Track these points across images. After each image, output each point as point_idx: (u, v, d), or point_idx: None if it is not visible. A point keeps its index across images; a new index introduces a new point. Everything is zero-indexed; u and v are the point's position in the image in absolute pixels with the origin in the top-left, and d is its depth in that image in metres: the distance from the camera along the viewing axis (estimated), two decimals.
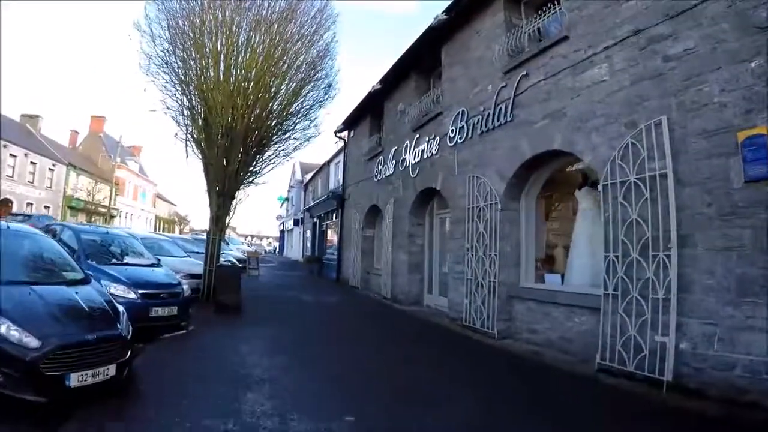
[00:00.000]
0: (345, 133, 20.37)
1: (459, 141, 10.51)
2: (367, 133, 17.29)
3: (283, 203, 49.05)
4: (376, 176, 15.68)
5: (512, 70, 8.79)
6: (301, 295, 15.04)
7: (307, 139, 13.89)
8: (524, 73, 8.46)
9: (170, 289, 8.43)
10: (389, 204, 14.14)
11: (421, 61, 12.82)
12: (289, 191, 45.95)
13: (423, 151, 12.28)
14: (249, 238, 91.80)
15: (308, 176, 36.52)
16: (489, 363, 7.32)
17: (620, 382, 5.84)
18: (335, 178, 25.41)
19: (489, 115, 9.41)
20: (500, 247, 8.88)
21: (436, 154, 11.64)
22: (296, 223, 40.09)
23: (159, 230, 56.65)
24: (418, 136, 12.67)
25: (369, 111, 17.08)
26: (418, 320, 11.06)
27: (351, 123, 18.91)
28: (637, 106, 6.16)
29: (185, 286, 8.88)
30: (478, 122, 9.81)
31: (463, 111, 10.42)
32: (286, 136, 13.46)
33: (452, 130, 10.73)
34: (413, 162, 12.78)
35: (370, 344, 8.58)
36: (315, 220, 27.14)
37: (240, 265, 21.89)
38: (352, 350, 7.93)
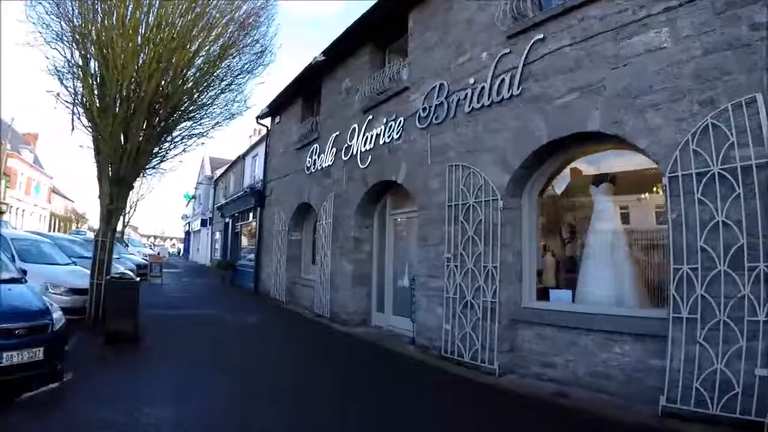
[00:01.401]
0: (268, 120, 17.25)
1: (434, 122, 8.04)
2: (298, 118, 14.21)
3: (189, 201, 44.40)
4: (308, 168, 12.70)
5: (520, 34, 6.70)
6: (216, 312, 11.71)
7: (231, 116, 10.78)
8: (539, 37, 6.41)
9: (31, 320, 5.10)
10: (327, 201, 11.25)
11: (378, 30, 10.11)
12: (196, 188, 41.37)
13: (378, 136, 9.58)
14: (152, 239, 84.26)
15: (219, 172, 32.51)
16: (507, 412, 5.33)
17: (702, 430, 4.37)
18: (252, 172, 22.03)
19: (483, 88, 7.16)
20: (501, 257, 6.56)
21: (397, 138, 9.01)
22: (204, 223, 35.70)
23: (54, 229, 49.30)
24: (371, 117, 9.95)
25: (302, 92, 14.03)
26: (377, 350, 8.29)
27: (278, 107, 15.65)
28: (716, 81, 4.68)
29: (56, 315, 5.51)
30: (465, 98, 7.46)
31: (441, 84, 7.97)
32: (204, 108, 10.33)
33: (424, 109, 8.23)
34: (363, 150, 10.04)
35: (333, 399, 5.54)
36: (227, 220, 23.49)
37: (141, 272, 17.83)
38: (314, 414, 4.98)
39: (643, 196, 6.63)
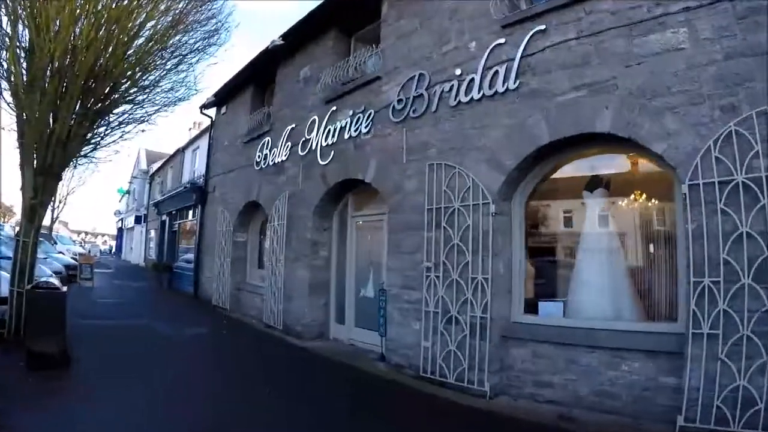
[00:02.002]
0: (213, 111, 15.73)
1: (412, 115, 7.13)
2: (248, 108, 12.78)
3: (123, 196, 41.46)
4: (258, 163, 11.35)
5: (517, 24, 6.04)
6: (154, 323, 10.12)
7: (177, 101, 9.30)
8: (540, 28, 5.75)
9: None
10: (280, 200, 9.98)
11: (344, 14, 9.06)
12: (131, 182, 38.59)
13: (342, 129, 8.51)
14: (83, 236, 77.92)
15: (156, 166, 30.21)
16: None
17: None
18: (192, 167, 20.24)
19: (472, 81, 6.37)
20: (493, 268, 5.83)
21: (366, 133, 7.99)
22: (138, 220, 33.02)
23: None
24: (334, 109, 8.84)
25: (254, 80, 12.63)
26: (340, 368, 7.19)
27: (225, 95, 14.11)
28: (736, 87, 4.36)
29: None
30: (450, 90, 6.62)
31: (421, 75, 7.08)
32: (147, 90, 8.82)
33: (400, 101, 7.32)
34: (324, 144, 8.90)
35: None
36: (164, 217, 21.50)
37: (70, 272, 15.98)
38: None
39: (647, 202, 6.01)
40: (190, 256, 16.76)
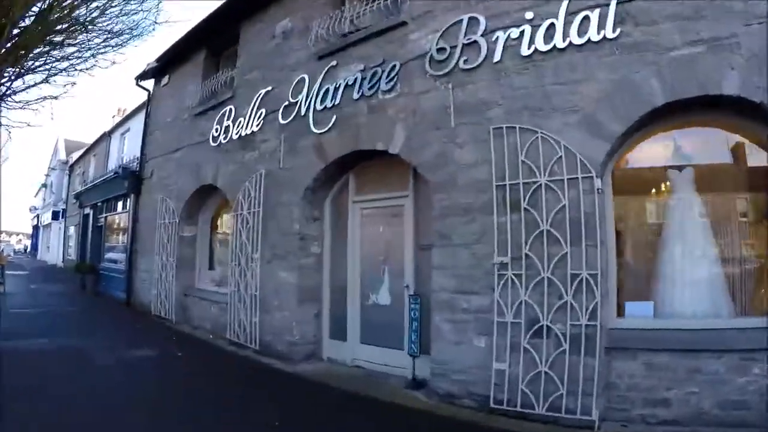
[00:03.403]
0: (150, 83, 12.72)
1: (462, 67, 5.15)
2: (199, 76, 9.97)
3: (39, 190, 36.30)
4: (215, 138, 8.67)
5: None
6: (83, 342, 7.37)
7: (130, 35, 6.60)
8: None
9: None
10: (251, 182, 7.41)
11: None
12: (48, 175, 33.83)
13: (349, 88, 6.30)
14: None
15: (76, 155, 26.32)
16: None
17: None
18: (120, 154, 16.82)
19: (552, 26, 4.68)
20: (601, 260, 4.15)
21: (388, 91, 5.84)
22: (56, 215, 28.35)
23: None
24: (333, 64, 6.59)
25: (207, 43, 9.91)
26: (362, 403, 4.97)
27: (167, 63, 11.19)
28: None
29: None
30: (519, 37, 4.83)
31: (472, 18, 5.17)
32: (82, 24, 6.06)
33: (441, 50, 5.35)
34: (319, 108, 6.58)
35: None
36: (87, 210, 17.75)
37: None
38: None
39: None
40: (120, 255, 13.58)
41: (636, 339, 4.23)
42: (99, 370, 5.89)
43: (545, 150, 4.49)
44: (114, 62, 8.06)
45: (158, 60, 11.21)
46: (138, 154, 12.57)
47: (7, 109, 6.16)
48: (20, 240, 66.55)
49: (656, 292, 4.56)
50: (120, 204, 14.02)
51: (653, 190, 4.90)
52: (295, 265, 6.56)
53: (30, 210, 40.31)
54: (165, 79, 11.59)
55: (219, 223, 9.91)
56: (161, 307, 9.65)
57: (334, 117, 6.32)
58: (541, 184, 4.45)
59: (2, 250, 25.36)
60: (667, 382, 4.08)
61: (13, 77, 5.75)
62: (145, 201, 11.62)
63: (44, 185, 33.99)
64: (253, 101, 7.76)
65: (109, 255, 14.84)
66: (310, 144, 6.59)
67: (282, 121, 7.09)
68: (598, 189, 4.24)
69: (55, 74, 6.08)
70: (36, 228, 40.23)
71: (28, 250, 46.28)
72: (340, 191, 6.91)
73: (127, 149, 16.01)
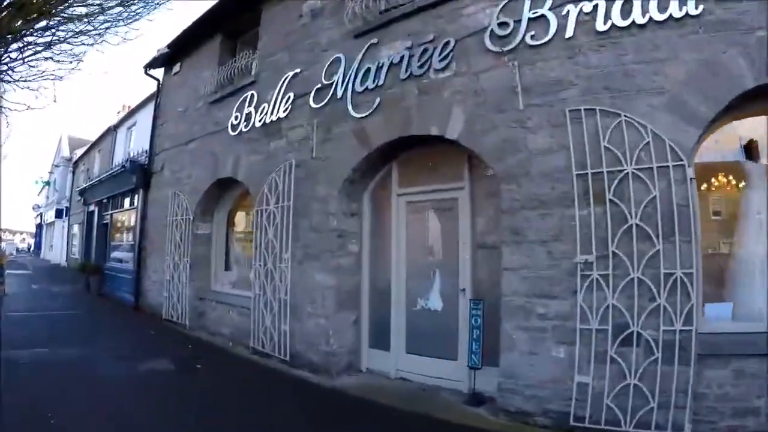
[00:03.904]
0: (160, 72, 11.87)
1: (530, 43, 4.59)
2: (214, 61, 9.34)
3: (43, 188, 35.38)
4: (234, 127, 8.06)
5: None
6: (89, 351, 6.67)
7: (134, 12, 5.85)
8: None
9: None
10: (278, 174, 6.79)
11: None
12: (51, 172, 32.97)
13: (394, 67, 5.67)
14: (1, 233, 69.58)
15: (80, 152, 25.46)
16: None
17: None
18: (127, 148, 16.12)
19: (627, 1, 4.15)
20: (695, 257, 3.75)
21: (441, 69, 5.24)
22: (59, 213, 27.62)
23: None
24: (374, 42, 5.94)
25: (222, 26, 9.28)
26: (418, 423, 4.40)
27: (179, 49, 10.53)
28: None
29: None
30: (593, 11, 4.28)
31: None
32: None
33: (503, 25, 4.76)
34: (359, 90, 5.97)
35: None
36: (92, 207, 17.04)
37: None
38: None
39: None
40: (127, 254, 12.92)
41: (728, 344, 3.78)
42: (107, 388, 5.30)
43: (630, 135, 4.00)
44: (125, 39, 7.23)
45: (170, 46, 10.56)
46: (146, 147, 11.82)
47: (7, 82, 5.36)
48: (24, 239, 66.62)
49: (733, 293, 4.20)
50: (127, 200, 13.32)
51: (727, 182, 4.51)
52: (333, 265, 5.97)
53: (33, 208, 39.57)
54: (176, 67, 10.90)
55: (236, 219, 9.02)
56: (173, 310, 8.92)
57: (378, 99, 5.76)
58: (627, 173, 3.96)
59: (4, 249, 24.44)
60: (757, 389, 3.66)
61: (12, 44, 4.91)
62: (154, 196, 10.94)
63: (47, 183, 33.35)
64: (279, 85, 7.13)
65: (116, 254, 14.18)
66: (348, 130, 5.91)
67: (314, 106, 6.46)
68: (690, 178, 3.79)
69: (60, 42, 5.24)
70: (39, 226, 39.72)
71: (32, 248, 46.09)
72: (381, 183, 6.36)
73: (134, 143, 15.33)
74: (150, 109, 13.32)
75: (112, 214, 14.72)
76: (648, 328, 3.78)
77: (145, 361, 6.22)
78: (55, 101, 8.28)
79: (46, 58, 6.19)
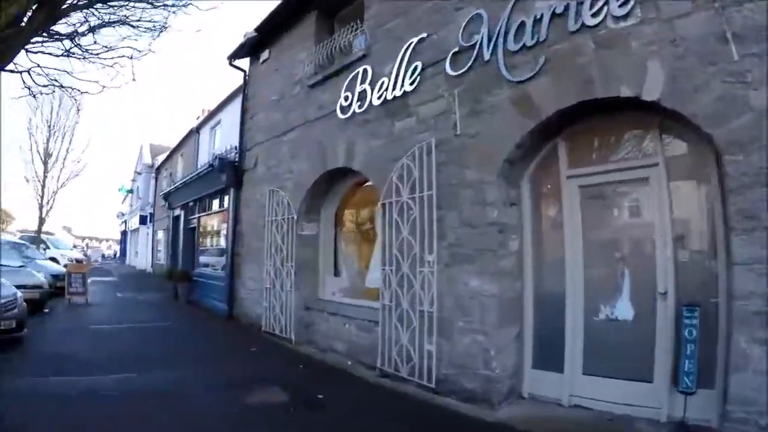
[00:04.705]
0: (246, 62, 11.32)
1: None
2: (311, 41, 8.64)
3: (126, 196, 36.80)
4: (345, 109, 7.27)
5: None
6: (181, 378, 5.78)
7: None
8: None
9: None
10: (411, 158, 5.89)
11: None
12: (134, 180, 34.20)
13: (557, 18, 4.59)
14: (87, 241, 75.31)
15: (161, 158, 25.94)
16: None
17: None
18: (211, 148, 16.02)
19: None
20: None
21: (623, 17, 4.12)
22: (143, 220, 28.63)
23: None
24: None
25: (316, 1, 8.56)
26: None
27: (267, 34, 9.97)
28: None
29: None
30: None
31: None
32: None
33: None
34: (512, 49, 4.94)
35: None
36: (177, 211, 17.08)
37: (59, 284, 11.96)
38: None
39: None
40: (217, 260, 12.52)
41: None
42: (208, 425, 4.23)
43: None
44: (214, 7, 6.73)
45: (257, 30, 9.85)
46: (235, 144, 11.24)
47: (78, 58, 4.88)
48: (110, 246, 71.51)
49: None
50: (216, 202, 12.99)
51: None
52: (494, 268, 5.02)
53: (117, 216, 41.51)
54: (264, 54, 10.38)
55: (345, 217, 8.19)
56: (275, 322, 8.29)
57: (542, 58, 4.76)
58: None
59: (88, 256, 25.09)
60: None
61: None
62: (247, 196, 10.46)
63: (130, 191, 34.61)
64: (400, 55, 6.34)
65: (204, 259, 13.98)
66: (504, 98, 4.99)
67: (452, 73, 5.58)
68: None
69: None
70: (124, 233, 42.05)
71: (117, 255, 49.09)
72: (542, 164, 5.26)
73: (218, 143, 15.09)
74: (235, 105, 12.99)
75: (199, 217, 14.56)
76: None
77: (252, 390, 5.38)
78: (133, 80, 8.04)
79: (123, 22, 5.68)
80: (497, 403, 4.81)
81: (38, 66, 7.49)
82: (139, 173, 31.84)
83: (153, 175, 27.41)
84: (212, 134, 16.61)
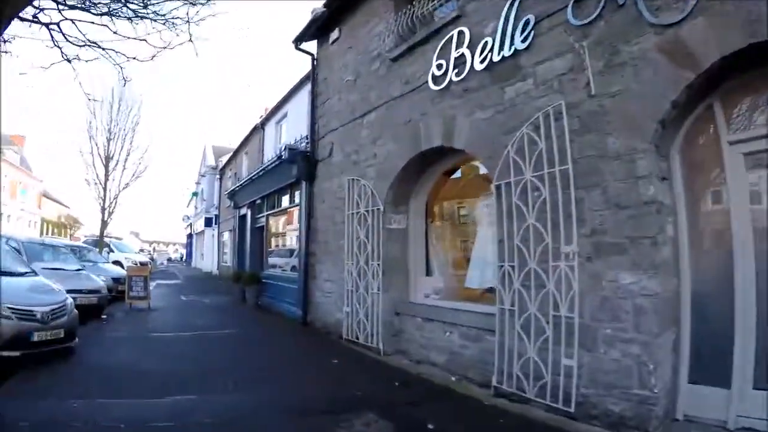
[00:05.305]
0: (313, 45, 10.84)
1: None
2: (388, 13, 7.95)
3: (192, 199, 37.70)
4: (438, 79, 6.50)
5: None
6: (258, 403, 4.89)
7: None
8: None
9: None
10: (535, 128, 5.06)
11: None
12: (198, 183, 34.90)
13: None
14: (154, 245, 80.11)
15: (225, 159, 26.16)
16: None
17: None
18: (276, 143, 15.69)
19: None
20: None
21: None
22: (209, 222, 29.16)
23: (46, 234, 43.75)
24: None
25: None
26: None
27: (336, 12, 9.41)
28: None
29: None
30: None
31: None
32: None
33: None
34: None
35: None
36: (244, 210, 16.93)
37: (120, 289, 12.44)
38: None
39: None
40: (289, 260, 12.05)
41: None
42: None
43: None
44: None
45: (326, 5, 9.25)
46: (305, 134, 10.72)
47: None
48: (177, 249, 75.88)
49: None
50: (286, 197, 12.62)
51: None
52: (651, 260, 4.10)
53: (183, 219, 42.80)
54: (335, 33, 9.99)
55: (437, 208, 7.46)
56: (358, 329, 7.77)
57: None
58: None
59: (153, 259, 25.53)
60: None
61: None
62: (322, 188, 10.00)
63: (195, 194, 35.30)
64: (505, 10, 5.49)
65: (274, 260, 13.70)
66: (649, 46, 4.19)
67: (576, 23, 4.74)
68: None
69: None
70: (189, 236, 43.56)
71: (184, 258, 51.63)
72: (695, 129, 4.38)
73: (285, 136, 14.72)
74: (302, 94, 12.61)
75: (267, 215, 14.26)
76: None
77: (343, 418, 4.42)
78: (190, 40, 7.41)
79: None
80: (653, 429, 3.95)
81: (69, 20, 6.91)
82: (203, 176, 32.49)
83: (217, 176, 27.79)
84: (278, 129, 16.34)
